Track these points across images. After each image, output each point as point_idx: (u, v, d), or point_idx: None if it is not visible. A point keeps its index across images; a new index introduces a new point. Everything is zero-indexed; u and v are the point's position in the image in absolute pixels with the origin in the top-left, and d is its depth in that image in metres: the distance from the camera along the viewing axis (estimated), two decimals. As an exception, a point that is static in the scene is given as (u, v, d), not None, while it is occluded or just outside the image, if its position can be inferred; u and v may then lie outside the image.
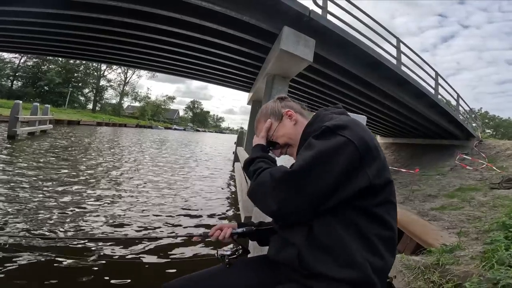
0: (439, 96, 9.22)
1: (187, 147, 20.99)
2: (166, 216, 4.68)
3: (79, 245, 3.36)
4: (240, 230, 1.16)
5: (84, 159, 9.19)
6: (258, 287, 0.92)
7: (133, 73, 54.73)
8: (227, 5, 4.39)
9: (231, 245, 1.20)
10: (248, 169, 0.95)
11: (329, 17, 5.11)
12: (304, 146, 0.83)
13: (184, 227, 4.30)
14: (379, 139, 18.67)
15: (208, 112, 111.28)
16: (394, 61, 6.68)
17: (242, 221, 3.22)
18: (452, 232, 4.17)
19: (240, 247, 1.15)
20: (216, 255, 1.12)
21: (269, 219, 1.15)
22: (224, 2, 4.34)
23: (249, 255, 1.18)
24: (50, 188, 5.28)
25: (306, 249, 0.80)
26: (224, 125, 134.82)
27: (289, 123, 1.03)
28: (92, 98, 50.27)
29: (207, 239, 1.17)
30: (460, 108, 12.01)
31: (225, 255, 1.10)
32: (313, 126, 0.93)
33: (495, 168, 7.96)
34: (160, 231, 3.99)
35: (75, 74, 46.25)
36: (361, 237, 0.76)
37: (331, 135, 0.79)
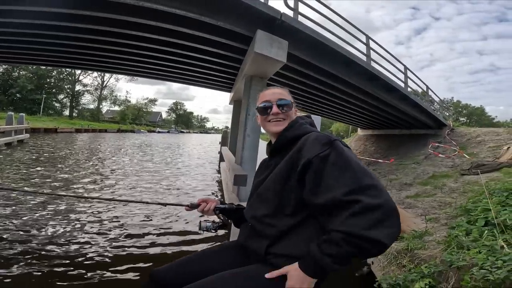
0: (410, 89, 9.65)
1: (172, 151, 20.75)
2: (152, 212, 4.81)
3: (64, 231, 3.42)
4: (222, 206, 1.32)
5: (71, 167, 8.99)
6: (236, 265, 1.07)
7: (111, 77, 53.21)
8: (201, 11, 4.44)
9: (212, 218, 1.36)
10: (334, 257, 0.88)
11: (301, 18, 5.27)
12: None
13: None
14: (360, 132, 19.20)
15: (192, 113, 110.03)
16: (365, 58, 6.95)
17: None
18: (425, 219, 4.45)
19: (221, 220, 1.32)
20: (198, 226, 1.30)
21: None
22: (198, 9, 4.39)
23: (226, 230, 1.38)
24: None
25: (276, 241, 1.01)
26: (209, 125, 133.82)
27: (293, 113, 1.23)
28: (68, 104, 48.46)
29: (192, 210, 1.34)
30: (432, 99, 12.57)
31: (208, 226, 1.30)
32: (289, 132, 1.13)
33: (465, 155, 8.43)
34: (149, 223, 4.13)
35: (48, 80, 44.37)
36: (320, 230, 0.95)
37: None
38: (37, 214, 4.43)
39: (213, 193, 7.51)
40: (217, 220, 1.33)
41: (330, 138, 0.97)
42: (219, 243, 1.41)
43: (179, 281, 1.08)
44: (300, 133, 1.09)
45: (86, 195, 6.06)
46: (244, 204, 1.35)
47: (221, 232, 1.41)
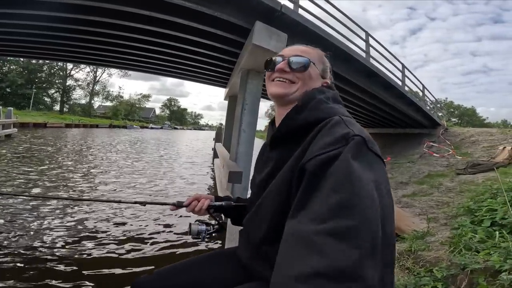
0: (406, 88, 9.64)
1: (164, 147, 20.50)
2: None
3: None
4: (218, 203, 1.04)
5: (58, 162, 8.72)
6: (232, 281, 0.87)
7: (103, 72, 52.36)
8: (197, 1, 4.29)
9: (205, 218, 1.09)
10: None
11: (301, 11, 5.15)
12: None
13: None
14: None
15: (186, 109, 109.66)
16: (364, 54, 6.87)
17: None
18: (423, 218, 4.38)
19: (216, 222, 1.06)
20: (188, 230, 1.03)
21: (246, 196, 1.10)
22: (196, -1, 4.25)
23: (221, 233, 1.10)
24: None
25: None
26: (202, 121, 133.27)
27: (317, 82, 0.86)
28: (59, 99, 47.58)
29: (180, 208, 1.05)
30: (427, 99, 12.64)
31: (200, 230, 1.02)
32: (302, 114, 0.77)
33: (457, 156, 8.46)
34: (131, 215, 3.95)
35: (39, 74, 43.49)
36: None
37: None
38: (16, 216, 4.17)
39: (208, 189, 7.37)
40: (212, 221, 1.06)
41: (348, 132, 0.62)
42: (216, 250, 1.13)
43: None
44: (318, 117, 0.73)
45: (63, 195, 5.76)
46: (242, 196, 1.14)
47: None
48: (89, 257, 3.18)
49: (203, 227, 1.03)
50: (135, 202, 1.18)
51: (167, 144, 22.87)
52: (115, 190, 6.35)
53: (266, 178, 0.84)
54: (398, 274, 2.53)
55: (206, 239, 1.03)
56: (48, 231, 3.74)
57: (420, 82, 11.44)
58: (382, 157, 0.63)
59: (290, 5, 4.86)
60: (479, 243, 2.30)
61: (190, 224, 1.03)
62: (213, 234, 1.05)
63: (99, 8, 4.68)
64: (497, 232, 2.21)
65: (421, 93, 12.02)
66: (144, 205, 1.19)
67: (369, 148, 0.61)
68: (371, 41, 7.28)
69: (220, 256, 1.02)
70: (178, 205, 1.04)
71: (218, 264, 0.98)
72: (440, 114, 14.80)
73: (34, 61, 39.67)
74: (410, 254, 2.73)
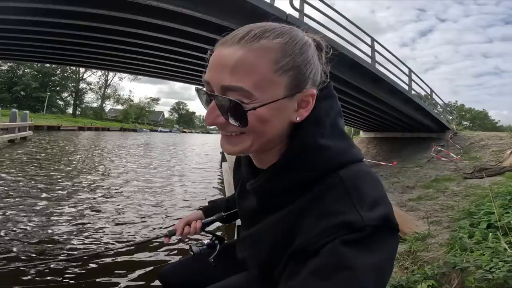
0: (414, 92, 9.64)
1: (174, 152, 20.73)
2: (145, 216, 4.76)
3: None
4: (210, 219, 1.05)
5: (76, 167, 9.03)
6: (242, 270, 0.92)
7: (114, 75, 53.55)
8: (208, 11, 4.51)
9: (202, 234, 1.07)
10: None
11: (306, 19, 5.29)
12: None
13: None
14: (362, 134, 19.15)
15: (194, 112, 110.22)
16: (369, 60, 6.95)
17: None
18: (427, 222, 4.44)
19: (215, 238, 1.06)
20: (191, 251, 1.02)
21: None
22: (206, 9, 4.45)
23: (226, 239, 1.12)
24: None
25: None
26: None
27: (284, 115, 0.52)
28: (72, 102, 48.90)
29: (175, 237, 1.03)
30: (435, 102, 12.56)
31: (202, 251, 1.02)
32: (290, 175, 0.54)
33: (463, 161, 8.43)
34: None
35: (52, 78, 44.83)
36: None
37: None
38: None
39: (218, 194, 7.52)
40: (210, 237, 1.06)
41: (354, 219, 0.44)
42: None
43: (185, 280, 1.01)
44: (306, 179, 0.52)
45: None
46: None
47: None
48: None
49: (204, 247, 1.03)
50: (122, 246, 1.10)
51: (175, 148, 23.11)
52: (123, 194, 6.59)
53: (247, 214, 0.74)
54: (397, 273, 2.65)
55: (212, 262, 0.98)
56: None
57: (428, 86, 11.41)
58: (398, 228, 0.48)
59: (296, 14, 5.02)
60: (475, 244, 2.40)
61: (190, 246, 1.02)
62: (217, 247, 1.03)
63: (112, 17, 4.93)
64: (490, 234, 2.31)
65: (429, 97, 11.98)
66: (134, 247, 1.10)
67: (385, 226, 0.45)
68: (377, 46, 7.36)
69: (233, 245, 1.05)
70: (170, 235, 1.03)
71: (232, 253, 1.01)
72: (450, 117, 14.66)
73: (48, 65, 40.86)
74: (410, 255, 2.83)
